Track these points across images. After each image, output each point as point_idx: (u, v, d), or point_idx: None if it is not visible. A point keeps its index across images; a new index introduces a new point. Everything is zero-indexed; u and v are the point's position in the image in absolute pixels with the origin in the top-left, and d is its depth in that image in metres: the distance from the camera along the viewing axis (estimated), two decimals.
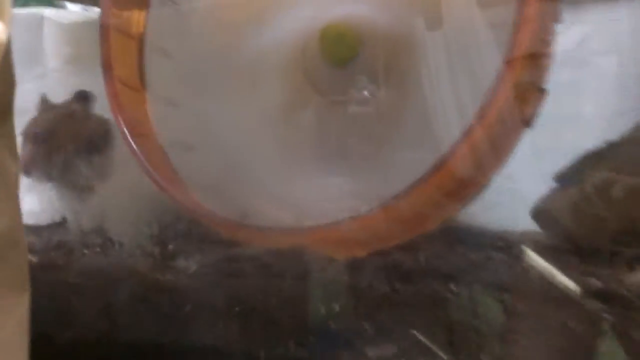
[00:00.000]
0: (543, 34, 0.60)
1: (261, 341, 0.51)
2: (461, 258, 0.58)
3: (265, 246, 0.58)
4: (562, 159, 0.73)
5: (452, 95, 0.68)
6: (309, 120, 0.78)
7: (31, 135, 0.77)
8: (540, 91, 0.62)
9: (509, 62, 0.59)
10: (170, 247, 0.59)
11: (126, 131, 0.70)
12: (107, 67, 0.73)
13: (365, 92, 0.75)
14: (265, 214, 0.74)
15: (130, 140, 0.70)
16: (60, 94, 1.01)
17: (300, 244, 0.58)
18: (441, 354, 0.45)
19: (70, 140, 0.77)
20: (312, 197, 0.74)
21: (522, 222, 0.71)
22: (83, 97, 0.81)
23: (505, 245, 0.63)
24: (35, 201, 0.75)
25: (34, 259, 0.59)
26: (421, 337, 0.46)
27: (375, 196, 0.69)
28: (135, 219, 0.63)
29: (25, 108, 1.01)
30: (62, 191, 0.74)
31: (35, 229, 0.70)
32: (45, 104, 0.84)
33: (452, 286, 0.48)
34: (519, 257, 0.57)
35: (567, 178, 0.72)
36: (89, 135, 0.78)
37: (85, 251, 0.60)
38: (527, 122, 0.62)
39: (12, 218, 0.40)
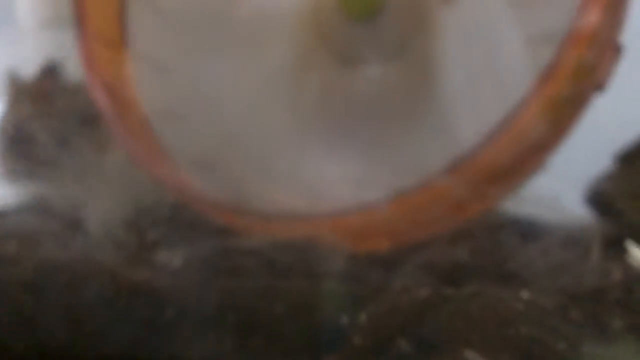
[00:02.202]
0: None
1: (264, 358, 0.40)
2: (519, 255, 0.46)
3: (268, 237, 0.47)
4: (623, 135, 0.63)
5: (469, 79, 0.60)
6: (318, 86, 0.68)
7: (7, 136, 0.69)
8: (617, 49, 0.52)
9: (582, 10, 0.48)
10: (149, 236, 0.48)
11: (102, 96, 0.59)
12: (81, 21, 0.62)
13: (374, 70, 0.65)
14: (265, 195, 0.64)
15: (106, 107, 0.58)
16: (35, 61, 0.91)
17: (310, 234, 0.47)
18: None
19: (51, 128, 0.66)
20: (320, 174, 0.64)
21: (571, 207, 0.61)
22: (52, 70, 0.71)
23: (568, 234, 0.51)
24: None
25: None
26: (478, 358, 0.34)
27: (389, 172, 0.61)
28: (106, 200, 0.52)
29: None
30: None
31: None
32: (15, 85, 0.73)
33: (519, 290, 0.36)
34: (590, 254, 0.45)
35: (632, 159, 0.62)
36: (71, 116, 0.67)
37: (45, 240, 0.48)
38: (599, 86, 0.52)
39: None
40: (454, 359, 0.35)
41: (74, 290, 0.45)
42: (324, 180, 0.64)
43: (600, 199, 0.59)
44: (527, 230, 0.50)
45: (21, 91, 0.71)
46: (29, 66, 0.87)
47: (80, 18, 0.62)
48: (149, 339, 0.43)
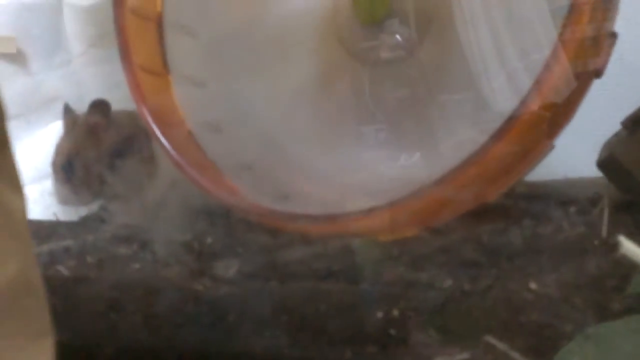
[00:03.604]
0: None
1: (314, 351, 0.46)
2: (531, 236, 0.51)
3: (309, 247, 0.53)
4: (630, 100, 0.66)
5: (492, 38, 0.61)
6: (345, 87, 0.72)
7: (59, 168, 0.77)
8: (612, 36, 0.54)
9: (575, 6, 0.51)
10: (206, 252, 0.54)
11: (152, 122, 0.65)
12: (126, 55, 0.68)
13: (400, 46, 0.69)
14: (305, 193, 0.70)
15: (157, 132, 0.65)
16: (87, 80, 0.98)
17: (346, 236, 0.53)
18: None
19: (99, 159, 0.75)
20: (353, 166, 0.69)
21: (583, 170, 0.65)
22: (100, 106, 0.77)
23: (580, 208, 0.56)
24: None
25: (65, 272, 0.56)
26: (497, 343, 0.40)
27: (417, 148, 0.65)
28: (166, 223, 0.59)
29: (54, 96, 0.99)
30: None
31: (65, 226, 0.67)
32: (69, 114, 0.81)
33: (531, 284, 0.41)
34: (599, 225, 0.50)
35: (638, 123, 0.64)
36: (118, 145, 0.75)
37: (118, 261, 0.56)
38: (598, 73, 0.55)
39: (23, 261, 0.35)
40: (476, 345, 0.41)
41: (148, 302, 0.52)
42: (360, 177, 0.69)
43: (610, 163, 0.62)
44: (539, 211, 0.54)
45: (74, 123, 0.78)
46: (79, 90, 0.94)
47: (124, 51, 0.68)
48: (215, 338, 0.50)
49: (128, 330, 0.52)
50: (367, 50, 0.71)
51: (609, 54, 0.54)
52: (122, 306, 0.52)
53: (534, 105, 0.55)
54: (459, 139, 0.61)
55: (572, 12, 0.52)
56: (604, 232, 0.52)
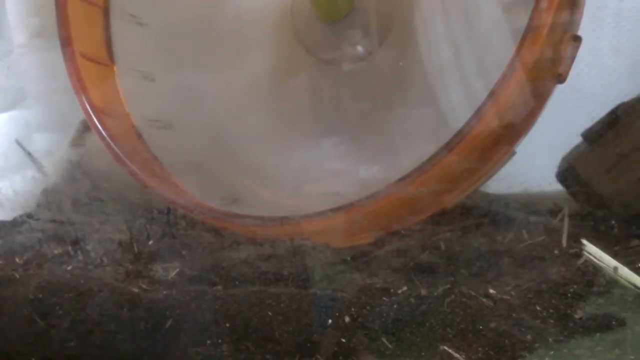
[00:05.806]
0: None
1: None
2: (489, 243, 0.49)
3: (256, 247, 0.49)
4: (590, 113, 0.65)
5: (453, 52, 0.61)
6: (302, 85, 0.69)
7: None
8: (575, 39, 0.53)
9: (539, 7, 0.49)
10: (145, 252, 0.50)
11: (92, 113, 0.61)
12: (67, 42, 0.64)
13: (359, 48, 0.66)
14: (256, 195, 0.67)
15: (97, 124, 0.61)
16: (28, 72, 0.93)
17: (298, 239, 0.50)
18: None
19: None
20: (308, 169, 0.66)
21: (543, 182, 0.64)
22: None
23: (540, 218, 0.54)
24: None
25: None
26: (454, 353, 0.37)
27: (375, 156, 0.64)
28: (101, 220, 0.54)
29: None
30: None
31: None
32: None
33: (489, 288, 0.39)
34: (560, 235, 0.48)
35: (598, 135, 0.64)
36: None
37: (47, 260, 0.51)
38: (560, 77, 0.53)
39: None
40: (432, 355, 0.38)
41: (78, 306, 0.47)
42: (312, 178, 0.66)
43: (569, 175, 0.61)
44: (499, 219, 0.52)
45: None
46: (25, 77, 0.88)
47: (65, 39, 0.64)
48: (151, 347, 0.46)
49: (55, 336, 0.48)
50: (328, 57, 0.69)
51: (571, 59, 0.53)
52: (50, 310, 0.48)
53: (490, 120, 0.53)
54: (418, 153, 0.59)
55: (530, 33, 0.51)
56: (564, 241, 0.50)
